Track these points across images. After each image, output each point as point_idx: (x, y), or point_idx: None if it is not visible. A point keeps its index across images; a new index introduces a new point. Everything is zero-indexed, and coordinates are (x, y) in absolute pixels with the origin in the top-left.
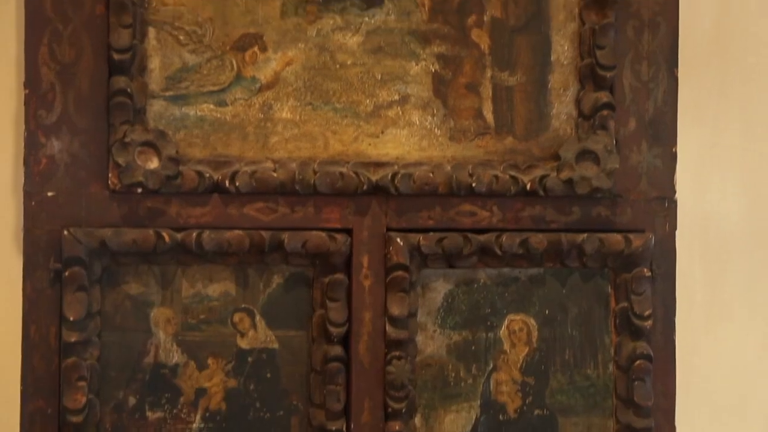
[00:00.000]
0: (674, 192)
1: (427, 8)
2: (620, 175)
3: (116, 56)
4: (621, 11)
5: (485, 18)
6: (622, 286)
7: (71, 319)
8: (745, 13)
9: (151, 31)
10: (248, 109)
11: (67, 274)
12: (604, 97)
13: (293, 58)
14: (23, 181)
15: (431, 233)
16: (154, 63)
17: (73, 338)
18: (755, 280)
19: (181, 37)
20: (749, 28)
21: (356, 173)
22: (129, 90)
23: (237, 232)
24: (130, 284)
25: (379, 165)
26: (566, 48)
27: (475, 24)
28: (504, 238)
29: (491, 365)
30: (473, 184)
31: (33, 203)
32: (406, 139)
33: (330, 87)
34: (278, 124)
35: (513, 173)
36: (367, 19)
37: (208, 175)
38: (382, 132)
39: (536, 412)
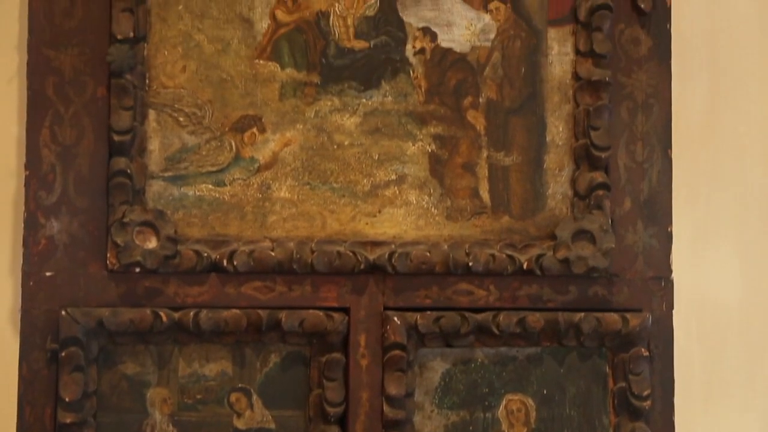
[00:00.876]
0: (671, 271)
1: (423, 90)
2: (616, 254)
3: (116, 138)
4: (615, 93)
5: (481, 99)
6: (620, 366)
7: (67, 400)
8: (736, 93)
9: (152, 113)
10: (246, 189)
11: (63, 354)
12: (599, 177)
13: (291, 139)
14: (21, 261)
15: (428, 312)
16: (154, 144)
17: (68, 419)
18: (753, 358)
19: (181, 119)
20: (741, 106)
21: (353, 252)
22: (129, 171)
23: (234, 311)
24: (127, 364)
25: (376, 244)
26: (561, 129)
27: (471, 105)
28: (501, 317)
29: None
30: (470, 263)
31: (31, 283)
32: (403, 218)
33: (327, 167)
34: (276, 203)
35: (510, 252)
36: (364, 100)
37: (206, 254)
38: (379, 211)
39: None
